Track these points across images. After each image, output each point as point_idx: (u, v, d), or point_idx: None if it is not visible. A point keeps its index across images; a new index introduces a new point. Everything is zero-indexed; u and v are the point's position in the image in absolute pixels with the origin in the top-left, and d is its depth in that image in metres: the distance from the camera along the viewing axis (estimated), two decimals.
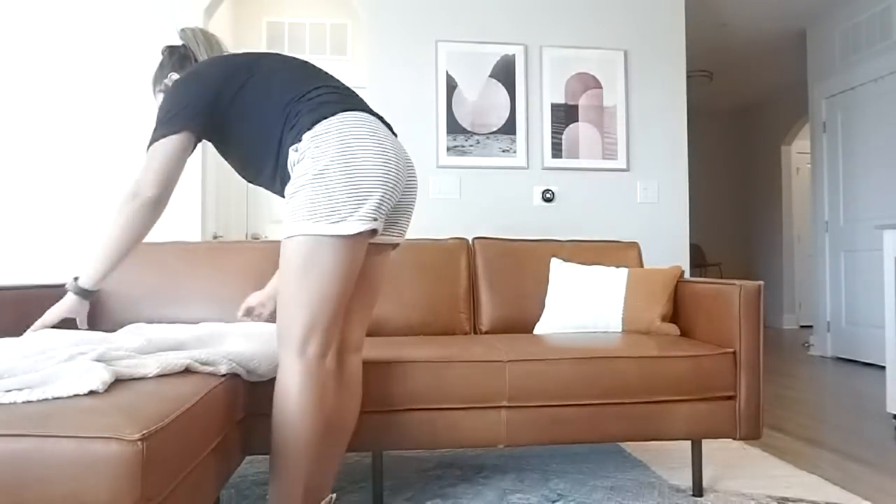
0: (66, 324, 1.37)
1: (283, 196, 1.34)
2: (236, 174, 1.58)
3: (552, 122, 3.66)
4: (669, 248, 3.74)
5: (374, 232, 1.31)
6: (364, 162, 1.28)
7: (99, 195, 3.31)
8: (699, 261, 7.12)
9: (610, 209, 3.70)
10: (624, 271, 2.28)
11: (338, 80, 1.43)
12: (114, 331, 2.03)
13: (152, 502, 0.90)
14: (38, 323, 1.36)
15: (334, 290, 1.29)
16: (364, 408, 1.70)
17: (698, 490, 1.90)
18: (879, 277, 4.29)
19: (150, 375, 1.17)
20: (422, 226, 3.54)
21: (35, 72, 3.29)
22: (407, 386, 1.71)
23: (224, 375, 1.33)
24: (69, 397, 0.99)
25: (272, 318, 1.71)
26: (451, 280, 2.38)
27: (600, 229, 3.69)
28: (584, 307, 2.23)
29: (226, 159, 1.48)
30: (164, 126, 1.32)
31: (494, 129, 3.60)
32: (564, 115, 3.67)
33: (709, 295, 2.00)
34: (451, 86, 3.58)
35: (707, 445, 2.41)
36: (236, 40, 4.34)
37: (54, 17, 3.31)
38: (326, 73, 1.44)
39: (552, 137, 3.65)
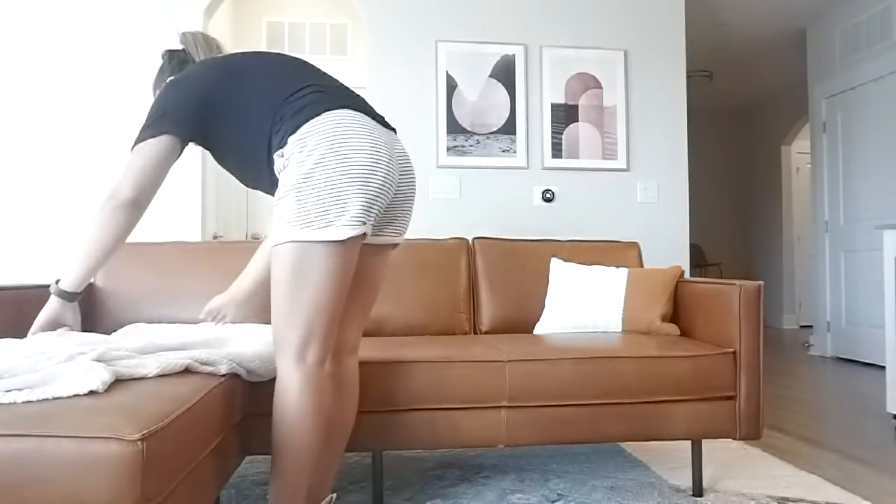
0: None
1: None
2: None
3: (552, 122, 3.66)
4: (669, 248, 3.74)
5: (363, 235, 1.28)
6: (350, 162, 1.24)
7: (99, 196, 3.30)
8: (699, 261, 7.12)
9: (610, 209, 3.70)
10: (624, 271, 2.28)
11: (328, 78, 1.40)
12: (114, 331, 2.03)
13: (152, 502, 0.90)
14: (32, 329, 1.34)
15: (328, 297, 1.27)
16: (364, 408, 1.70)
17: (698, 490, 1.90)
18: (879, 277, 4.29)
19: (150, 375, 1.17)
20: (422, 226, 3.54)
21: (35, 73, 3.29)
22: (407, 386, 1.71)
23: (224, 375, 1.33)
24: (69, 397, 0.99)
25: (246, 319, 1.70)
26: (451, 280, 2.38)
27: (600, 229, 3.69)
28: (584, 307, 2.23)
29: (224, 167, 1.46)
30: (148, 129, 1.31)
31: (494, 129, 3.60)
32: (564, 115, 3.67)
33: (709, 295, 2.00)
34: (451, 86, 3.58)
35: (707, 445, 2.41)
36: (236, 40, 4.34)
37: (54, 19, 3.31)
38: (316, 71, 1.40)
39: (552, 137, 3.65)
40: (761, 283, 1.85)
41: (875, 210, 4.36)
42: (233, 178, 1.59)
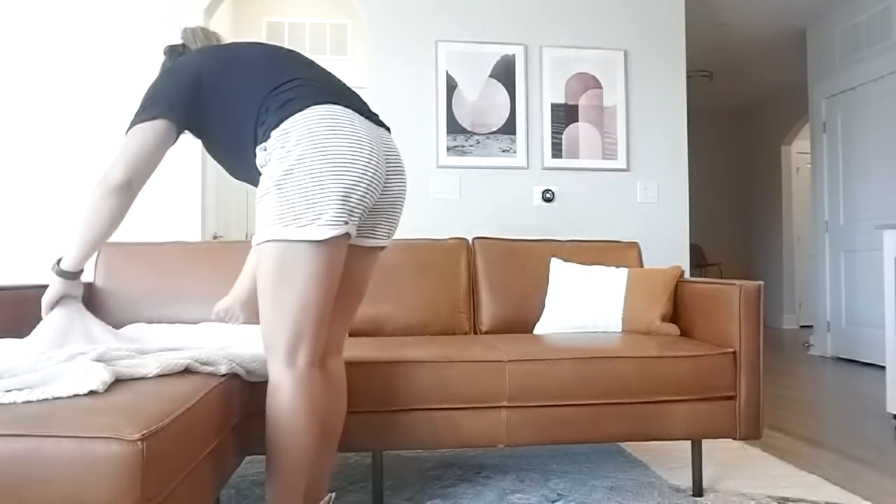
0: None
1: None
2: None
3: (552, 122, 3.66)
4: (669, 248, 3.74)
5: (347, 234, 1.26)
6: (332, 160, 1.21)
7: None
8: (699, 261, 7.12)
9: (610, 209, 3.70)
10: (624, 271, 2.28)
11: (319, 71, 1.37)
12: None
13: (152, 502, 0.90)
14: (43, 311, 1.35)
15: (314, 296, 1.25)
16: (364, 408, 1.70)
17: (698, 490, 1.90)
18: (879, 277, 4.29)
19: (150, 375, 1.17)
20: (422, 226, 3.54)
21: (35, 72, 3.29)
22: (407, 386, 1.71)
23: (224, 375, 1.33)
24: (69, 397, 0.99)
25: (249, 320, 1.70)
26: (451, 280, 2.38)
27: (600, 229, 3.69)
28: (584, 307, 2.23)
29: (214, 158, 1.44)
30: (142, 113, 1.30)
31: (494, 129, 3.60)
32: (564, 115, 3.67)
33: (709, 295, 2.00)
34: (451, 86, 3.58)
35: (707, 445, 2.41)
36: (236, 40, 4.33)
37: (54, 19, 3.31)
38: (308, 64, 1.38)
39: (552, 137, 3.65)
40: (761, 283, 1.85)
41: (875, 210, 4.36)
42: (233, 178, 1.58)
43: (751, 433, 1.83)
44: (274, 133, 1.23)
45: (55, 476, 0.85)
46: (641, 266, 2.54)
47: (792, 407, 3.11)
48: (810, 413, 2.99)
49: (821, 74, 4.88)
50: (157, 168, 2.89)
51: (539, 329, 2.30)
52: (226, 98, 1.31)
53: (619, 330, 2.20)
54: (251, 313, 1.68)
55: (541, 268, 2.43)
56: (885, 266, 2.64)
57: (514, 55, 3.63)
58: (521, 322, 2.36)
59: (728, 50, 5.52)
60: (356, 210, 1.24)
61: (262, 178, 1.24)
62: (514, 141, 3.61)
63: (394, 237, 3.03)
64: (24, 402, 0.96)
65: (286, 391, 1.25)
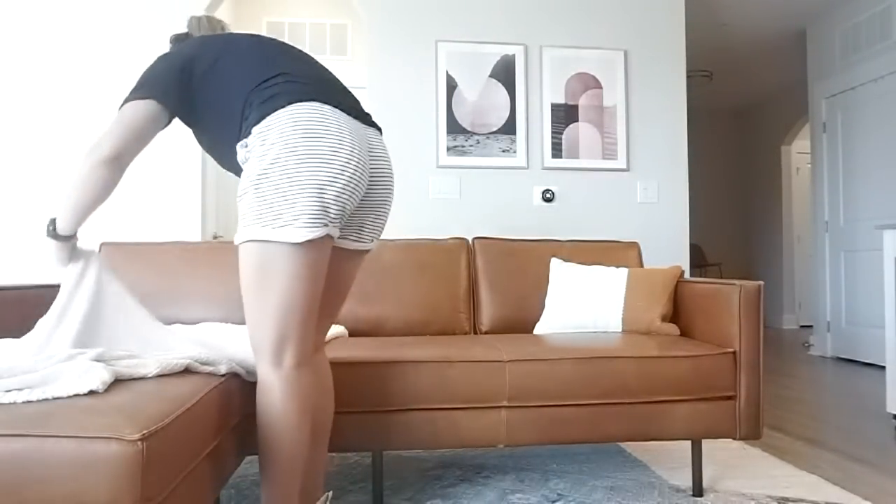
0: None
1: None
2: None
3: (552, 122, 3.66)
4: (669, 248, 3.74)
5: (328, 235, 1.24)
6: (310, 159, 1.18)
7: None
8: (699, 261, 7.12)
9: (610, 209, 3.70)
10: (624, 271, 2.28)
11: (307, 66, 1.35)
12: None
13: (152, 502, 0.90)
14: (60, 272, 1.35)
15: (296, 297, 1.23)
16: (364, 408, 1.70)
17: (698, 490, 1.90)
18: (879, 277, 4.29)
19: (149, 375, 1.17)
20: (422, 226, 3.54)
21: (36, 72, 3.29)
22: (407, 386, 1.71)
23: (224, 375, 1.33)
24: (69, 397, 0.99)
25: None
26: (451, 280, 2.38)
27: (600, 229, 3.69)
28: (584, 307, 2.23)
29: (206, 150, 1.43)
30: (134, 92, 1.30)
31: (494, 129, 3.60)
32: (564, 115, 3.67)
33: (709, 295, 2.00)
34: (451, 86, 3.58)
35: (707, 445, 2.41)
36: None
37: (55, 19, 3.31)
38: (297, 59, 1.35)
39: (552, 137, 3.65)
40: (761, 283, 1.85)
41: (875, 210, 4.36)
42: (232, 178, 1.58)
43: (751, 433, 1.83)
44: (254, 129, 1.22)
45: (55, 476, 0.85)
46: (641, 266, 2.54)
47: (792, 407, 3.11)
48: (810, 413, 2.99)
49: (821, 74, 4.88)
50: (156, 167, 2.92)
51: (539, 329, 2.30)
52: (214, 89, 1.31)
53: (619, 330, 2.20)
54: None
55: (541, 268, 2.43)
56: (885, 266, 2.64)
57: (514, 55, 3.63)
58: (521, 322, 2.36)
59: (728, 50, 5.52)
60: (334, 212, 1.22)
61: (242, 176, 1.23)
62: (514, 141, 3.61)
63: (395, 237, 3.03)
64: (24, 402, 0.96)
65: (275, 392, 1.25)
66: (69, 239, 1.35)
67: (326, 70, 1.40)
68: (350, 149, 1.23)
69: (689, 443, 2.41)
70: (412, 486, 2.00)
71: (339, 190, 1.21)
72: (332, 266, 1.42)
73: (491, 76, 3.61)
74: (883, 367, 4.26)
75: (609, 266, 2.40)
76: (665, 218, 3.75)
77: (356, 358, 1.72)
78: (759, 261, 7.29)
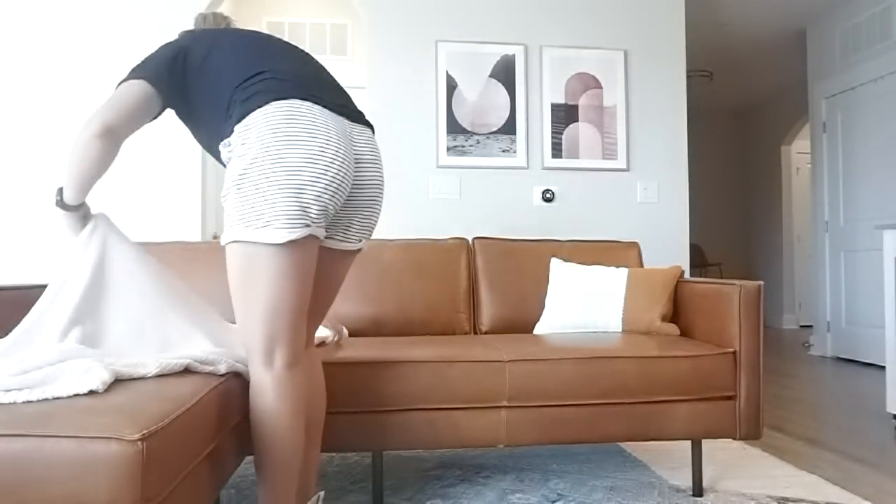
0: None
1: None
2: None
3: (552, 122, 3.66)
4: (669, 248, 3.74)
5: (311, 235, 1.23)
6: (289, 160, 1.16)
7: (99, 195, 3.31)
8: (699, 261, 7.12)
9: (610, 209, 3.70)
10: (624, 271, 2.28)
11: (295, 62, 1.33)
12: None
13: (152, 502, 0.90)
14: (73, 238, 1.36)
15: (284, 299, 1.23)
16: (364, 408, 1.70)
17: (698, 490, 1.90)
18: (879, 277, 4.29)
19: (149, 375, 1.17)
20: (422, 226, 3.54)
21: (35, 72, 3.29)
22: (407, 386, 1.71)
23: (224, 375, 1.33)
24: (69, 397, 0.99)
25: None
26: (451, 280, 2.38)
27: (600, 229, 3.69)
28: (584, 307, 2.23)
29: (201, 145, 1.42)
30: (130, 73, 1.32)
31: (494, 129, 3.60)
32: (564, 115, 3.67)
33: (709, 295, 2.00)
34: (451, 86, 3.58)
35: (707, 445, 2.41)
36: None
37: (54, 19, 3.31)
38: (286, 55, 1.34)
39: (552, 137, 3.65)
40: (761, 283, 1.85)
41: (875, 210, 4.36)
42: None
43: (751, 433, 1.83)
44: (237, 128, 1.22)
45: (55, 476, 0.85)
46: (641, 266, 2.54)
47: (792, 407, 3.11)
48: (810, 413, 2.99)
49: (821, 74, 4.88)
50: (156, 165, 2.91)
51: (539, 329, 2.30)
52: (204, 85, 1.31)
53: (619, 330, 2.20)
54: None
55: (541, 268, 2.43)
56: (885, 266, 2.64)
57: (514, 55, 3.63)
58: (521, 322, 2.36)
59: (728, 50, 5.52)
60: (315, 212, 1.20)
61: (225, 176, 1.23)
62: (514, 141, 3.61)
63: (395, 237, 3.03)
64: (24, 402, 0.96)
65: (267, 393, 1.25)
66: (77, 209, 1.36)
67: (315, 66, 1.39)
68: (331, 147, 1.21)
69: (689, 443, 2.41)
70: (412, 486, 2.00)
71: (319, 190, 1.19)
72: (320, 266, 1.41)
73: (491, 76, 3.61)
74: (883, 367, 4.26)
75: (609, 266, 2.40)
76: (665, 218, 3.75)
77: (356, 358, 1.72)
78: (759, 261, 7.29)
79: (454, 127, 3.57)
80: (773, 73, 6.20)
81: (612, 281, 2.25)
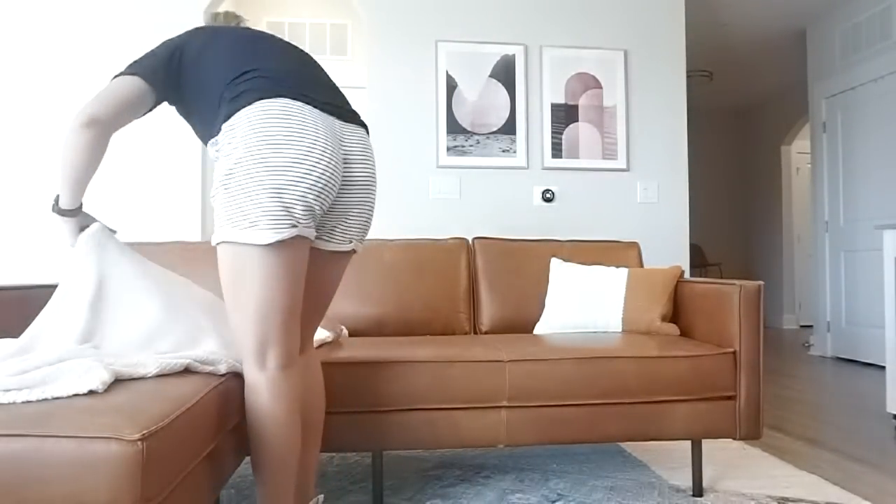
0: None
1: None
2: None
3: (552, 122, 3.66)
4: (669, 248, 3.74)
5: (299, 236, 1.22)
6: (272, 159, 1.15)
7: (99, 195, 3.30)
8: (699, 261, 7.12)
9: (610, 209, 3.70)
10: (624, 271, 2.28)
11: (286, 60, 1.32)
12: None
13: (152, 502, 0.90)
14: (71, 243, 1.37)
15: (275, 300, 1.22)
16: (364, 408, 1.70)
17: (698, 490, 1.90)
18: (879, 277, 4.29)
19: (149, 375, 1.17)
20: (422, 226, 3.54)
21: (35, 72, 3.29)
22: (407, 386, 1.71)
23: (224, 375, 1.33)
24: (69, 397, 0.99)
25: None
26: (451, 280, 2.38)
27: (600, 229, 3.69)
28: (584, 307, 2.23)
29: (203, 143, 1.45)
30: (126, 68, 1.33)
31: (494, 129, 3.60)
32: (564, 115, 3.67)
33: (709, 295, 2.00)
34: (451, 86, 3.58)
35: (707, 445, 2.41)
36: None
37: (54, 19, 3.31)
38: (276, 53, 1.33)
39: (552, 137, 3.65)
40: (761, 283, 1.85)
41: (875, 210, 4.36)
42: None
43: (751, 433, 1.83)
44: (223, 127, 1.22)
45: (55, 476, 0.85)
46: (641, 266, 2.54)
47: (792, 407, 3.11)
48: (810, 413, 2.99)
49: (821, 74, 4.88)
50: (156, 165, 2.92)
51: (539, 329, 2.30)
52: (197, 82, 1.32)
53: (619, 330, 2.20)
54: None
55: (541, 268, 2.43)
56: (885, 266, 2.64)
57: (514, 55, 3.63)
58: (521, 322, 2.36)
59: (728, 50, 5.52)
60: (300, 212, 1.19)
61: (214, 175, 1.23)
62: (514, 141, 3.61)
63: (395, 237, 3.03)
64: (23, 402, 0.96)
65: (261, 394, 1.24)
66: (74, 213, 1.36)
67: (309, 65, 1.38)
68: (317, 147, 1.20)
69: (689, 443, 2.41)
70: (412, 486, 2.00)
71: (303, 189, 1.18)
72: (312, 268, 1.40)
73: (491, 76, 3.61)
74: (883, 367, 4.26)
75: (609, 266, 2.40)
76: (665, 218, 3.75)
77: (356, 358, 1.72)
78: (759, 261, 7.29)
79: (454, 127, 3.57)
80: (773, 73, 6.20)
81: (612, 281, 2.25)
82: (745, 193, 7.58)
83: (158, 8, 3.37)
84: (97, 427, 0.87)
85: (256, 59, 1.29)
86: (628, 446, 2.42)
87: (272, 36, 1.41)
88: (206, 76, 1.30)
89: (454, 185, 3.57)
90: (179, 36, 1.38)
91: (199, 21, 3.38)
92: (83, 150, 1.27)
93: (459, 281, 2.39)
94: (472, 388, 1.72)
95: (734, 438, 1.84)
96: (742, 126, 7.64)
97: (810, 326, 6.53)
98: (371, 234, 3.57)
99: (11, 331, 1.64)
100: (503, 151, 3.60)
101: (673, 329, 2.12)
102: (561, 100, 3.67)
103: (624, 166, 3.70)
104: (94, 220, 1.41)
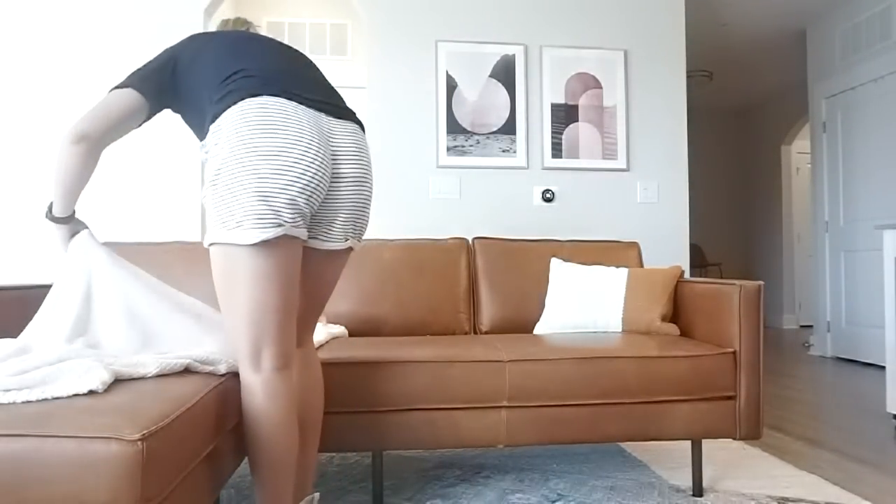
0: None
1: None
2: None
3: (552, 122, 3.66)
4: (669, 248, 3.74)
5: (289, 235, 1.21)
6: (258, 156, 1.15)
7: (99, 195, 3.30)
8: (699, 261, 7.12)
9: (610, 209, 3.70)
10: (624, 271, 2.28)
11: (272, 59, 1.31)
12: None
13: (152, 502, 0.90)
14: (63, 248, 1.40)
15: (267, 300, 1.22)
16: (364, 408, 1.70)
17: (698, 490, 1.90)
18: (879, 277, 4.29)
19: (149, 375, 1.17)
20: (422, 226, 3.54)
21: (36, 72, 3.29)
22: (407, 386, 1.71)
23: (224, 375, 1.33)
24: (69, 397, 0.99)
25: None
26: (451, 280, 2.38)
27: (600, 229, 3.69)
28: (584, 307, 2.23)
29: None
30: (123, 80, 1.34)
31: (494, 129, 3.60)
32: (564, 115, 3.67)
33: (709, 295, 2.00)
34: (451, 86, 3.58)
35: (707, 445, 2.41)
36: None
37: (55, 20, 3.31)
38: (262, 53, 1.32)
39: (552, 137, 3.65)
40: (761, 283, 1.85)
41: (875, 210, 4.36)
42: None
43: (751, 433, 1.83)
44: (211, 128, 1.22)
45: (55, 476, 0.85)
46: (641, 266, 2.54)
47: (792, 407, 3.11)
48: (810, 413, 2.99)
49: (821, 74, 4.88)
50: (157, 167, 2.92)
51: (539, 329, 2.30)
52: (187, 89, 1.33)
53: (619, 330, 2.20)
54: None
55: (541, 268, 2.43)
56: (885, 266, 2.64)
57: (514, 55, 3.63)
58: (521, 322, 2.36)
59: (728, 50, 5.52)
60: (287, 210, 1.18)
61: (204, 177, 1.24)
62: (514, 141, 3.61)
63: (395, 237, 3.02)
64: (23, 402, 0.96)
65: (257, 395, 1.24)
66: (67, 221, 1.40)
67: (298, 63, 1.37)
68: (302, 143, 1.19)
69: (689, 443, 2.41)
70: (412, 486, 2.00)
71: (285, 184, 1.17)
72: (307, 267, 1.40)
73: (491, 76, 3.61)
74: (883, 367, 4.26)
75: (609, 266, 2.40)
76: (665, 218, 3.75)
77: (356, 358, 1.72)
78: (759, 261, 7.29)
79: (454, 127, 3.57)
80: (773, 73, 6.20)
81: (612, 281, 2.25)
82: (745, 193, 7.57)
83: (159, 8, 3.37)
84: (97, 427, 0.87)
85: (244, 60, 1.29)
86: (628, 446, 2.42)
87: (265, 38, 1.41)
88: (198, 82, 1.31)
89: (454, 185, 3.57)
90: (175, 45, 1.40)
91: (198, 21, 3.38)
92: (73, 165, 1.30)
93: (459, 281, 2.39)
94: (472, 388, 1.72)
95: (734, 438, 1.84)
96: (742, 126, 7.64)
97: (810, 326, 6.53)
98: (371, 234, 3.57)
99: (11, 331, 1.64)
100: (503, 151, 3.60)
101: (673, 329, 2.12)
102: (561, 100, 3.67)
103: (624, 166, 3.70)
104: (84, 226, 1.44)
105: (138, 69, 1.36)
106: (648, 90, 3.77)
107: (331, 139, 1.27)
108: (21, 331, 1.60)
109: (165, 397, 1.04)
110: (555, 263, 2.39)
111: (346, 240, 1.37)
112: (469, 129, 3.58)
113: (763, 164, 7.22)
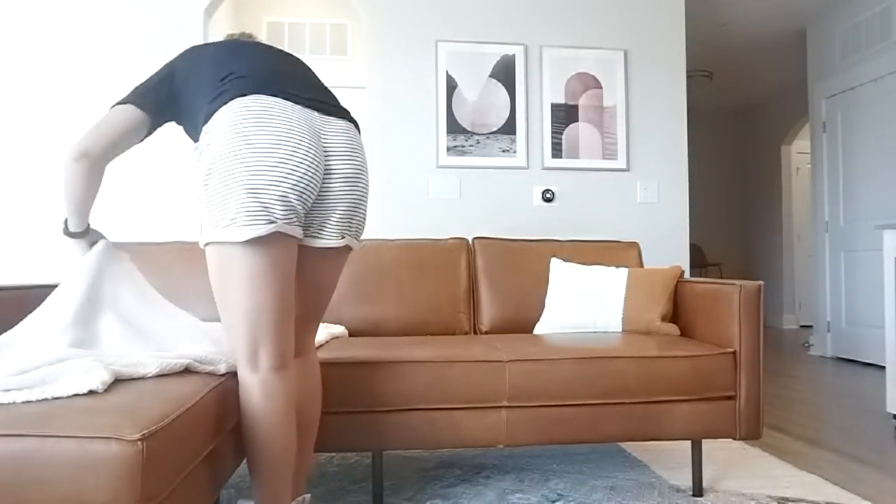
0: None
1: None
2: None
3: (552, 122, 3.66)
4: (669, 248, 3.74)
5: (282, 233, 1.21)
6: (246, 154, 1.15)
7: (100, 195, 3.31)
8: (699, 261, 7.12)
9: (610, 209, 3.70)
10: (624, 271, 2.28)
11: (264, 61, 1.32)
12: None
13: (152, 502, 0.90)
14: (78, 260, 1.41)
15: (263, 300, 1.22)
16: (364, 408, 1.70)
17: (698, 490, 1.90)
18: (879, 277, 4.29)
19: (149, 375, 1.17)
20: (422, 226, 3.54)
21: (36, 73, 3.29)
22: (407, 386, 1.71)
23: (224, 375, 1.33)
24: (69, 397, 0.99)
25: None
26: (451, 280, 2.38)
27: (600, 229, 3.69)
28: (584, 307, 2.23)
29: None
30: (125, 96, 1.36)
31: (494, 129, 3.60)
32: (564, 115, 3.67)
33: (709, 295, 2.00)
34: (451, 86, 3.58)
35: (707, 445, 2.41)
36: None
37: (55, 20, 3.31)
38: (254, 56, 1.33)
39: (552, 137, 3.65)
40: (761, 283, 1.85)
41: (875, 210, 4.36)
42: None
43: (751, 433, 1.83)
44: (204, 129, 1.24)
45: (55, 476, 0.85)
46: (641, 266, 2.54)
47: (792, 407, 3.11)
48: (810, 413, 2.99)
49: (821, 74, 4.88)
50: (157, 168, 2.92)
51: (539, 329, 2.30)
52: (185, 101, 1.35)
53: (619, 330, 2.20)
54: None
55: (541, 268, 2.43)
56: (885, 266, 2.64)
57: (514, 55, 3.63)
58: (521, 322, 2.36)
59: (728, 50, 5.52)
60: (278, 208, 1.18)
61: (197, 177, 1.25)
62: (514, 141, 3.61)
63: (395, 237, 3.02)
64: (23, 402, 0.96)
65: (254, 395, 1.24)
66: (82, 235, 1.41)
67: (289, 63, 1.38)
68: (292, 140, 1.19)
69: (689, 443, 2.41)
70: (412, 486, 2.00)
71: (275, 180, 1.17)
72: (304, 266, 1.39)
73: (491, 76, 3.61)
74: (883, 367, 4.26)
75: (609, 266, 2.40)
76: (665, 218, 3.75)
77: (356, 358, 1.72)
78: (759, 261, 7.29)
79: (454, 127, 3.57)
80: (773, 73, 6.20)
81: (612, 281, 2.25)
82: (745, 193, 7.58)
83: (159, 8, 3.37)
84: (97, 427, 0.87)
85: (236, 63, 1.30)
86: (628, 446, 2.42)
87: (260, 43, 1.43)
88: (194, 91, 1.32)
89: (454, 185, 3.57)
90: (174, 59, 1.41)
91: (199, 21, 3.38)
92: (78, 183, 1.32)
93: (459, 281, 2.39)
94: (471, 388, 1.72)
95: (734, 438, 1.84)
96: (742, 126, 7.64)
97: (810, 326, 6.53)
98: (371, 234, 3.57)
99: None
100: (503, 151, 3.60)
101: (673, 329, 2.12)
102: (561, 100, 3.67)
103: (624, 166, 3.70)
104: (101, 236, 1.46)
105: (139, 85, 1.37)
106: (648, 90, 3.77)
107: (323, 136, 1.27)
108: None
109: (165, 397, 1.04)
110: (555, 263, 2.39)
111: (342, 237, 1.36)
112: (469, 129, 3.58)
113: (763, 164, 7.22)
